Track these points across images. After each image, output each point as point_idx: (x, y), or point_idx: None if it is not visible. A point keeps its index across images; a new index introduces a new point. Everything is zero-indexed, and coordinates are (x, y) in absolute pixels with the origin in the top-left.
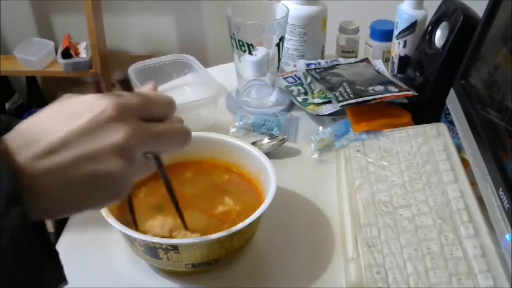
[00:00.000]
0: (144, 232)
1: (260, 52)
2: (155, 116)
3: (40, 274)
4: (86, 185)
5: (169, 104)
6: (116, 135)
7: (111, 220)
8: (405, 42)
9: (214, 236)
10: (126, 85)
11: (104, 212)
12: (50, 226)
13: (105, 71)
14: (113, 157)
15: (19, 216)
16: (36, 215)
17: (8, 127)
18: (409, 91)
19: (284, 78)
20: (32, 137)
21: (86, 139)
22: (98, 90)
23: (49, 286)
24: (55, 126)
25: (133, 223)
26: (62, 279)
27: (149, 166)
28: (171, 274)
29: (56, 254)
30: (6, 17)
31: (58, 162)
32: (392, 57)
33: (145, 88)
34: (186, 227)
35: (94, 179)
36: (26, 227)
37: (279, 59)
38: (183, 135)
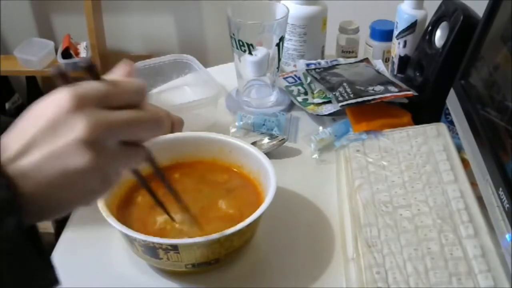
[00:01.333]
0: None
1: (260, 52)
2: (121, 104)
3: (34, 277)
4: (61, 182)
5: (137, 91)
6: (76, 128)
7: (111, 220)
8: (405, 42)
9: (214, 236)
10: (92, 72)
11: (104, 212)
12: (50, 226)
13: (105, 71)
14: (78, 151)
15: (16, 225)
16: (28, 218)
17: (8, 128)
18: (409, 91)
19: (284, 78)
20: (6, 143)
21: (48, 138)
22: (65, 81)
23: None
24: (22, 129)
25: (167, 213)
26: (55, 280)
27: (134, 155)
28: (171, 274)
29: (48, 257)
30: (6, 17)
31: (28, 162)
32: (392, 57)
33: (116, 73)
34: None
35: (66, 175)
36: (22, 234)
37: (279, 59)
38: (154, 121)
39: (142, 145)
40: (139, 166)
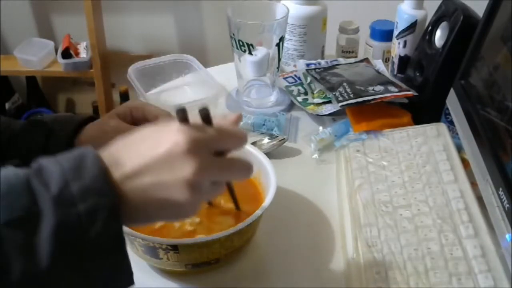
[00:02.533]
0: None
1: (260, 52)
2: (225, 148)
3: (120, 275)
4: (159, 206)
5: (241, 140)
6: (188, 169)
7: None
8: (405, 42)
9: (214, 236)
10: (206, 117)
11: None
12: None
13: (105, 71)
14: (183, 189)
15: (117, 228)
16: (127, 223)
17: (8, 128)
18: (409, 91)
19: (284, 78)
20: (121, 159)
21: (162, 168)
22: (183, 119)
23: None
24: (138, 152)
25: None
26: (132, 280)
27: (216, 191)
28: (171, 274)
29: (128, 260)
30: (6, 17)
31: (140, 184)
32: (392, 57)
33: (226, 120)
34: (238, 208)
35: (166, 203)
36: (120, 236)
37: (279, 59)
38: (247, 169)
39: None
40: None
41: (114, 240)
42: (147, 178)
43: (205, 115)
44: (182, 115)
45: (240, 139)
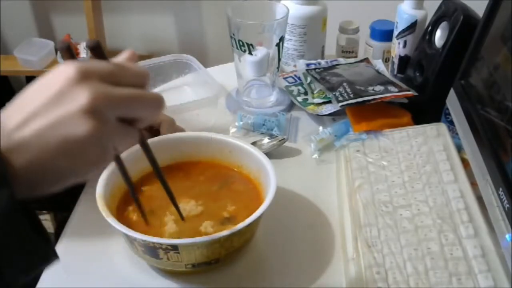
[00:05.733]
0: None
1: (260, 52)
2: (124, 84)
3: (31, 251)
4: (61, 151)
5: (141, 75)
6: (79, 98)
7: (111, 220)
8: (405, 42)
9: (214, 236)
10: (99, 52)
11: (104, 212)
12: (50, 226)
13: None
14: (81, 120)
15: (8, 197)
16: (23, 191)
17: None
18: (409, 91)
19: (284, 78)
20: (8, 117)
21: (53, 107)
22: (70, 56)
23: (41, 262)
24: (26, 102)
25: (143, 219)
26: (53, 254)
27: (129, 135)
28: (171, 274)
29: (44, 232)
30: (6, 17)
31: (29, 132)
32: (392, 57)
33: (121, 57)
34: (182, 218)
35: (67, 143)
36: (14, 207)
37: (279, 59)
38: (155, 100)
39: (138, 127)
40: (131, 145)
41: (8, 210)
42: (37, 123)
43: (97, 51)
44: (68, 52)
45: (139, 73)
